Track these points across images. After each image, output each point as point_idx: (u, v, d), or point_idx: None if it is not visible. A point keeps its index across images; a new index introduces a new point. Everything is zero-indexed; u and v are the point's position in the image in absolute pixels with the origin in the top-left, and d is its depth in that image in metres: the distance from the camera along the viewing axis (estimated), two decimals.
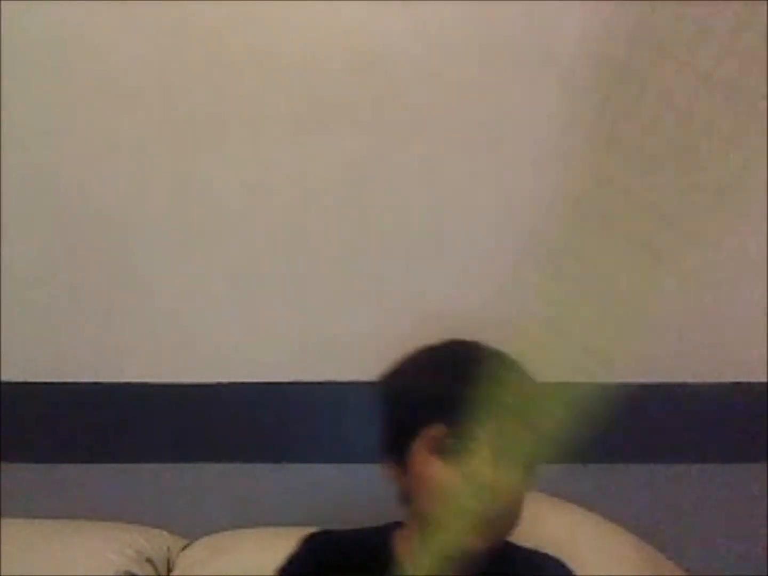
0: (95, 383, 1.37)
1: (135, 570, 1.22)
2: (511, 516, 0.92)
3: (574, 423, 0.89)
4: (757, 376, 1.38)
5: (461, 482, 0.89)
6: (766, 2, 1.38)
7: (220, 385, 1.37)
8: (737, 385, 1.38)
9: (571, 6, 1.36)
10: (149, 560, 1.25)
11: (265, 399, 1.37)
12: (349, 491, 1.36)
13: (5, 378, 1.36)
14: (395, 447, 0.95)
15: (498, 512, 0.88)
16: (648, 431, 1.37)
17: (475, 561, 0.94)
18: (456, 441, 0.89)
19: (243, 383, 1.36)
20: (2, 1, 1.34)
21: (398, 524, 1.02)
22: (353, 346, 1.38)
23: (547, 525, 1.16)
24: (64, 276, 1.38)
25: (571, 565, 1.01)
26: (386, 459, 0.97)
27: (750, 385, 1.38)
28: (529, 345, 1.02)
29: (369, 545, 1.00)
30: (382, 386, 0.99)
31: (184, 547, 1.30)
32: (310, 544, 1.01)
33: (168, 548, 1.29)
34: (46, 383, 1.36)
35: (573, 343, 1.38)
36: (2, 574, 1.17)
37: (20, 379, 1.36)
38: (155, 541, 1.28)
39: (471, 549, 0.90)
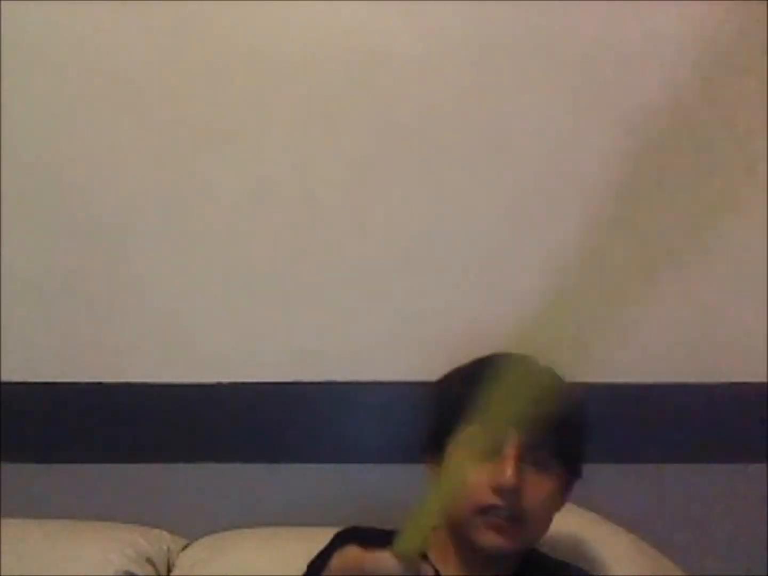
0: (95, 383, 1.36)
1: (135, 570, 1.22)
2: (538, 520, 0.94)
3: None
4: (757, 376, 1.38)
5: (483, 481, 0.92)
6: (766, 2, 1.38)
7: (220, 385, 1.36)
8: (737, 385, 1.38)
9: (572, 6, 1.36)
10: (149, 560, 1.25)
11: (265, 399, 1.37)
12: (349, 491, 1.35)
13: (5, 378, 1.35)
14: (434, 449, 0.99)
15: (523, 514, 0.91)
16: (648, 431, 1.37)
17: (503, 562, 0.96)
18: (485, 442, 0.91)
19: (243, 383, 1.36)
20: (2, 1, 1.34)
21: None
22: (353, 346, 1.38)
23: None
24: (64, 276, 1.38)
25: None
26: (427, 461, 1.01)
27: (750, 385, 1.38)
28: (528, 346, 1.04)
29: None
30: (430, 393, 1.04)
31: (184, 547, 1.30)
32: (342, 540, 1.02)
33: (168, 548, 1.29)
34: (46, 383, 1.36)
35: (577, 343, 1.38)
36: (2, 574, 1.17)
37: (20, 379, 1.36)
38: (155, 541, 1.28)
39: (497, 549, 0.92)
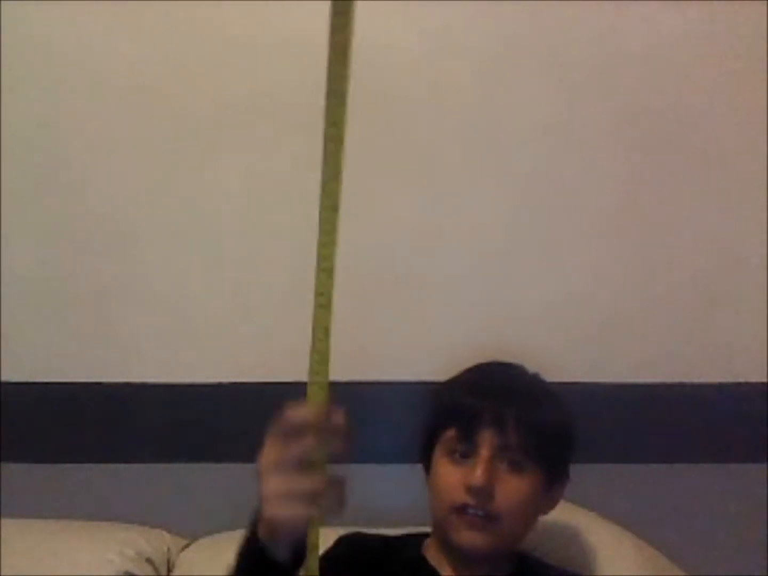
0: (95, 383, 1.36)
1: (135, 570, 1.22)
2: (513, 519, 0.95)
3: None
4: (757, 376, 1.38)
5: (458, 481, 0.95)
6: (766, 2, 1.38)
7: (220, 385, 1.36)
8: (737, 385, 1.38)
9: (573, 6, 1.36)
10: (149, 560, 1.25)
11: (265, 399, 1.36)
12: (349, 491, 1.35)
13: (5, 378, 1.35)
14: (425, 452, 1.04)
15: (496, 513, 0.93)
16: (648, 431, 1.37)
17: (491, 563, 0.97)
18: (463, 444, 0.97)
19: (243, 383, 1.36)
20: (2, 1, 1.34)
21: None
22: (353, 346, 1.38)
23: (548, 525, 1.16)
24: (64, 276, 1.38)
25: None
26: (422, 464, 1.05)
27: (750, 385, 1.38)
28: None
29: (401, 551, 1.04)
30: (426, 401, 1.09)
31: (184, 547, 1.30)
32: (344, 543, 1.05)
33: (168, 548, 1.29)
34: (46, 383, 1.36)
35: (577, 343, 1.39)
36: (2, 574, 1.17)
37: (20, 379, 1.36)
38: (155, 541, 1.28)
39: (473, 547, 0.94)
